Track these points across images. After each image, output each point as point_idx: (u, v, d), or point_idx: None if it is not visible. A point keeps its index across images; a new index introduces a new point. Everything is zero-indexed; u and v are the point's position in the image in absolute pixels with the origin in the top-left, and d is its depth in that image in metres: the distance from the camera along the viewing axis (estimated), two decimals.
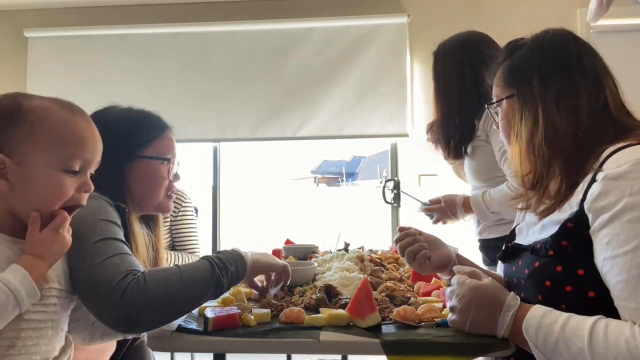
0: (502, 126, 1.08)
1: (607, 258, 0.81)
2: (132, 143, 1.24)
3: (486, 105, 1.14)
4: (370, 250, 1.86)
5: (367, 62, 3.21)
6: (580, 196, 0.89)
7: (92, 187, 0.93)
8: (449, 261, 1.15)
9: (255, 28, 3.31)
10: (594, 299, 0.85)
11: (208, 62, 3.33)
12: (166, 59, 3.35)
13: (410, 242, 1.15)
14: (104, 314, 0.92)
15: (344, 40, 3.24)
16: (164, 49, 3.36)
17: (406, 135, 3.16)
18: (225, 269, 1.03)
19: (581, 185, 0.91)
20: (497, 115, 1.10)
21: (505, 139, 1.08)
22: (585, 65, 0.97)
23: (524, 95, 0.99)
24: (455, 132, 1.81)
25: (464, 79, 1.76)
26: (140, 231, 1.26)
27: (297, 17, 3.28)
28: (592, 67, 0.97)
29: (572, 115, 0.94)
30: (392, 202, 3.23)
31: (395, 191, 3.22)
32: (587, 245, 0.86)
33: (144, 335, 1.52)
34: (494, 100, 1.10)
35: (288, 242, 1.89)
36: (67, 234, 0.91)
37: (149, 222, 1.36)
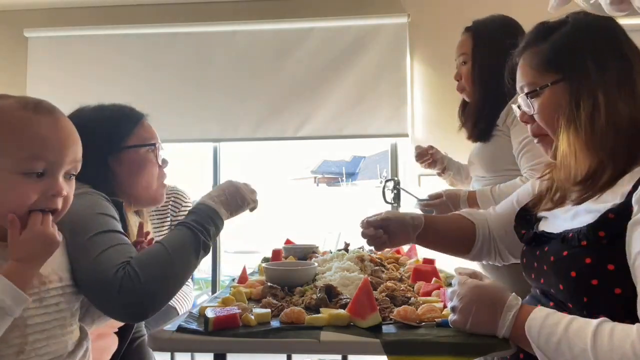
0: (544, 115, 0.98)
1: None
2: (113, 136, 1.24)
3: (525, 95, 1.01)
4: (371, 251, 1.86)
5: (367, 62, 3.21)
6: (629, 187, 0.84)
7: (62, 190, 0.88)
8: (408, 239, 1.26)
9: (255, 28, 3.32)
10: (619, 296, 0.82)
11: (208, 62, 3.33)
12: (166, 59, 3.35)
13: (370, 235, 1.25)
14: (109, 311, 0.96)
15: (344, 40, 3.24)
16: (164, 49, 3.36)
17: (406, 135, 3.16)
18: (206, 230, 1.07)
19: (629, 175, 0.86)
20: (531, 103, 1.00)
21: (549, 128, 0.98)
22: (633, 48, 0.93)
23: (578, 79, 0.92)
24: (485, 116, 1.71)
25: (506, 63, 1.67)
26: (135, 225, 1.27)
27: (297, 17, 3.28)
28: (637, 49, 0.94)
29: (631, 98, 0.89)
30: (392, 202, 3.22)
31: (395, 191, 3.22)
32: (624, 239, 0.82)
33: (145, 335, 1.52)
34: (528, 87, 0.99)
35: (288, 242, 1.89)
36: (52, 230, 0.87)
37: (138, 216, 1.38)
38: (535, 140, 1.05)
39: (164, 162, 1.34)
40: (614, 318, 0.78)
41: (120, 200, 1.17)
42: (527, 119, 1.03)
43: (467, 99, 1.80)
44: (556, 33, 0.97)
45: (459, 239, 1.26)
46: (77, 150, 0.92)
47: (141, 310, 0.95)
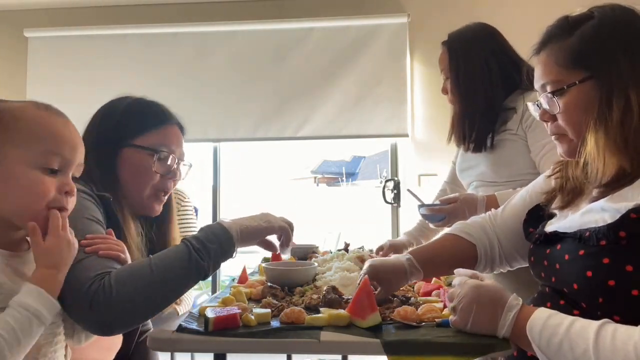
0: (570, 115, 0.93)
1: None
2: (122, 130, 1.19)
3: (549, 94, 0.95)
4: (371, 251, 1.86)
5: (367, 62, 3.21)
6: None
7: (74, 189, 0.89)
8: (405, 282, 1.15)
9: (255, 28, 3.32)
10: (635, 297, 0.81)
11: (208, 62, 3.33)
12: (166, 59, 3.35)
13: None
14: (79, 321, 0.92)
15: (344, 40, 3.24)
16: (164, 49, 3.36)
17: (406, 135, 3.16)
18: (205, 249, 0.98)
19: None
20: (553, 102, 0.94)
21: (572, 128, 0.93)
22: None
23: (608, 76, 0.87)
24: (478, 124, 1.66)
25: (489, 69, 1.64)
26: (132, 226, 1.19)
27: (297, 17, 3.28)
28: None
29: None
30: (392, 202, 3.23)
31: (395, 191, 3.22)
32: None
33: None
34: (552, 85, 0.94)
35: None
36: (71, 235, 0.87)
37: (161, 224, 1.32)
38: (554, 138, 1.00)
39: (172, 174, 1.23)
40: (630, 320, 0.77)
41: (108, 196, 1.10)
42: (548, 117, 0.98)
43: (456, 111, 1.75)
44: (582, 27, 0.92)
45: (458, 264, 1.12)
46: (83, 153, 0.93)
47: (108, 328, 0.90)
